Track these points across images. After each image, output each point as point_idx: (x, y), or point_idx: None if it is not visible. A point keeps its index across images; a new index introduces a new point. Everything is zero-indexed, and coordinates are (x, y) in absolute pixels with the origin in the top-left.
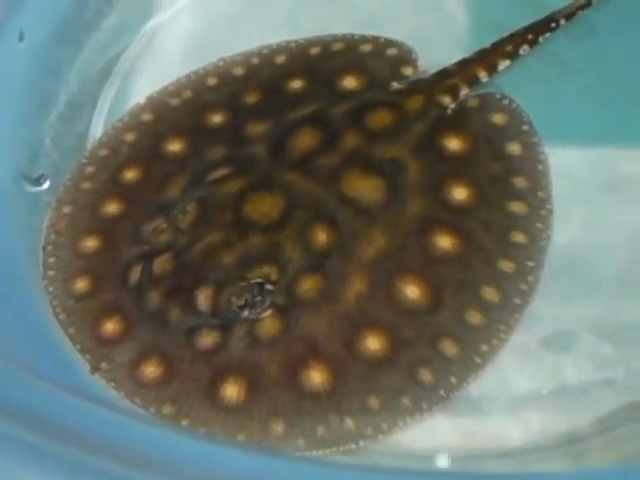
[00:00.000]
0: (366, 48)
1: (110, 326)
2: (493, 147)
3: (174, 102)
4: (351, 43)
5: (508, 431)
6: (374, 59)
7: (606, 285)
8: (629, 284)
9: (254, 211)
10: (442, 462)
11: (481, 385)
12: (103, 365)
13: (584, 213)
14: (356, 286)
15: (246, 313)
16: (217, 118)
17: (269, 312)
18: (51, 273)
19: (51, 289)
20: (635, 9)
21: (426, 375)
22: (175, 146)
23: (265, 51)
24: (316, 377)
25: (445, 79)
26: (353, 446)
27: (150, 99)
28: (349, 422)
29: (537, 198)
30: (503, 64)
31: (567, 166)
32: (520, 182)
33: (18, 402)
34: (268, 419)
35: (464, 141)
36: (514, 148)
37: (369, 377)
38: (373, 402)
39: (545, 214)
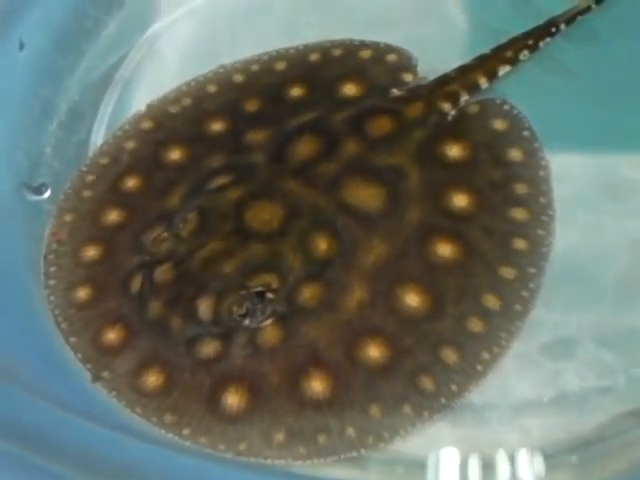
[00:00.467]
0: (366, 54)
1: (111, 335)
2: (494, 153)
3: (174, 110)
4: (350, 49)
5: (509, 439)
6: (374, 65)
7: (608, 292)
8: (631, 291)
9: (254, 220)
10: (443, 470)
11: (482, 393)
12: (104, 374)
13: (586, 219)
14: (357, 294)
15: (247, 322)
16: (217, 126)
17: (270, 321)
18: (52, 282)
19: (52, 298)
20: (636, 14)
21: (427, 383)
22: (175, 154)
23: (265, 58)
24: (317, 385)
25: (445, 85)
26: (354, 454)
27: (150, 107)
28: (350, 430)
29: (538, 204)
30: (503, 70)
31: (568, 172)
32: (521, 188)
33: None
34: (269, 428)
35: (464, 148)
36: (515, 154)
37: (370, 385)
38: (374, 410)
39: (546, 220)
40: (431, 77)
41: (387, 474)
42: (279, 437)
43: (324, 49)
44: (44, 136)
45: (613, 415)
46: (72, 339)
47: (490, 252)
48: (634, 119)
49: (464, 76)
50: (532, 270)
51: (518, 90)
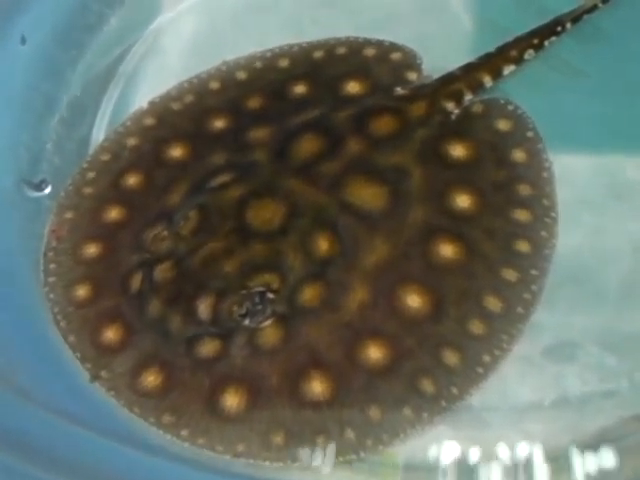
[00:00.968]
0: (370, 52)
1: (110, 334)
2: (497, 154)
3: (176, 107)
4: (355, 47)
5: (510, 442)
6: (378, 64)
7: (611, 295)
8: (634, 294)
9: (256, 218)
10: (443, 473)
11: (483, 395)
12: (103, 374)
13: (589, 221)
14: (358, 295)
15: (247, 322)
16: (219, 123)
17: (270, 321)
18: (52, 279)
19: (52, 296)
20: None
21: (427, 385)
22: (177, 151)
23: (268, 55)
24: (317, 387)
25: (449, 84)
26: (354, 457)
27: (152, 104)
28: (350, 432)
29: (542, 206)
30: (508, 69)
31: (572, 173)
32: (524, 189)
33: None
34: (268, 429)
35: (468, 148)
36: (519, 155)
37: (370, 387)
38: (374, 412)
39: (550, 222)
40: (436, 76)
41: (385, 476)
42: (278, 439)
43: (328, 47)
44: (45, 132)
45: (615, 420)
46: (71, 337)
47: (492, 253)
48: (637, 119)
49: (468, 75)
50: (534, 272)
51: (523, 89)
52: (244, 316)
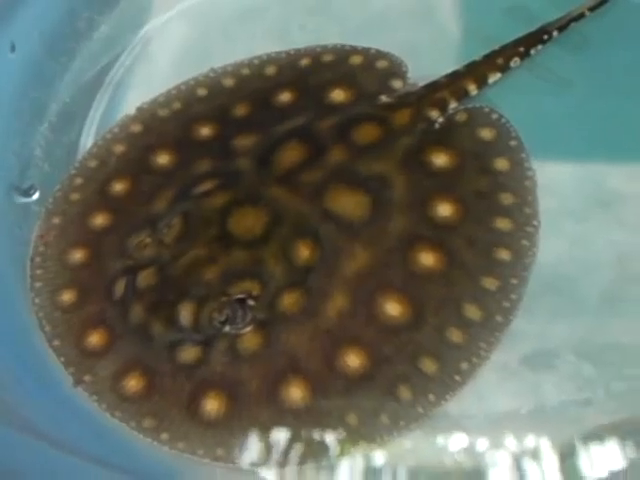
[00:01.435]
0: (356, 60)
1: (94, 339)
2: (480, 163)
3: (163, 113)
4: (341, 54)
5: (486, 449)
6: (364, 71)
7: (591, 304)
8: (614, 304)
9: (238, 226)
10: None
11: (460, 403)
12: (86, 378)
13: (571, 230)
14: (337, 302)
15: (227, 328)
16: (205, 130)
17: (250, 327)
18: (38, 285)
19: (37, 300)
20: (628, 21)
21: (405, 392)
22: (163, 158)
23: (255, 62)
24: (296, 393)
25: (434, 93)
26: (331, 462)
27: (140, 110)
28: (327, 438)
29: (523, 214)
30: (493, 77)
31: (555, 182)
32: (506, 198)
33: None
34: (247, 434)
35: (451, 156)
36: (501, 164)
37: (348, 393)
38: (351, 418)
39: (531, 231)
40: (421, 83)
41: None
42: (256, 444)
43: (315, 54)
44: (34, 138)
45: (591, 428)
46: (55, 342)
47: (473, 262)
48: (624, 128)
49: (453, 83)
50: (514, 281)
51: (508, 97)
52: (224, 322)
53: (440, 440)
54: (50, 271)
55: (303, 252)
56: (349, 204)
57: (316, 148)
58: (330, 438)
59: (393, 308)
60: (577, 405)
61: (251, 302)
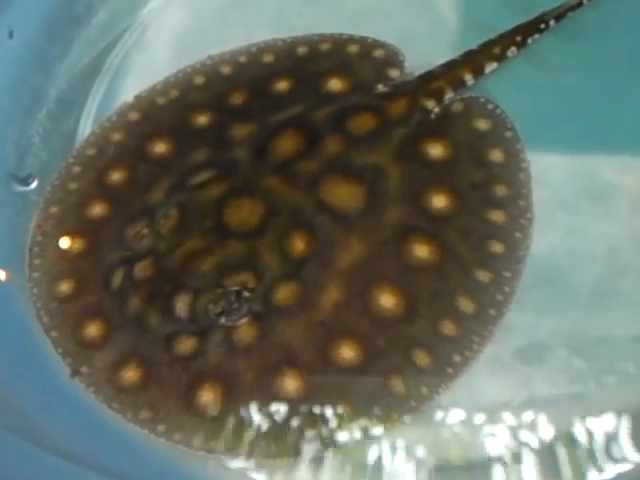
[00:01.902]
0: (353, 49)
1: (91, 330)
2: (475, 154)
3: (161, 101)
4: (338, 43)
5: (478, 442)
6: (361, 61)
7: (583, 297)
8: (606, 296)
9: (234, 217)
10: (411, 473)
11: (453, 395)
12: (83, 369)
13: (565, 222)
14: (332, 294)
15: (223, 320)
16: (202, 119)
17: (246, 319)
18: (36, 275)
19: (35, 291)
20: (625, 9)
21: (397, 385)
22: (160, 147)
23: (253, 49)
24: (290, 384)
25: (430, 82)
26: (324, 454)
27: (138, 98)
28: (321, 429)
29: (517, 207)
30: (490, 66)
31: (549, 173)
32: (501, 190)
33: None
34: (242, 425)
35: (446, 147)
36: (496, 155)
37: (342, 385)
38: (345, 410)
39: (525, 224)
40: (418, 72)
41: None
42: (252, 435)
43: (312, 42)
44: (32, 126)
45: (581, 421)
46: (53, 333)
47: (467, 254)
48: (619, 120)
49: (450, 72)
50: (508, 274)
51: (504, 87)
52: (220, 314)
53: (432, 432)
54: (48, 261)
55: (298, 244)
56: (344, 195)
57: (312, 138)
58: (323, 430)
59: (387, 300)
60: (568, 398)
61: (247, 294)
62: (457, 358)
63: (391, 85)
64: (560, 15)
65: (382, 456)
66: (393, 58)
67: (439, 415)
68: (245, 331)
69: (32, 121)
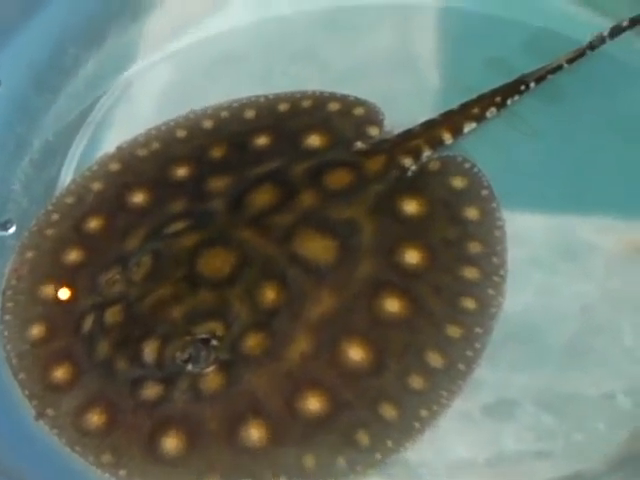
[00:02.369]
0: (334, 107)
1: (59, 373)
2: (451, 211)
3: (142, 153)
4: (319, 101)
5: None
6: (340, 118)
7: (554, 355)
8: (577, 355)
9: (206, 267)
10: None
11: (419, 450)
12: (48, 411)
13: (539, 280)
14: (301, 345)
15: (190, 367)
16: (182, 171)
17: (213, 367)
18: (8, 317)
19: (6, 333)
20: (605, 73)
21: (363, 437)
22: (139, 197)
23: (235, 105)
24: (254, 433)
25: (408, 140)
26: None
27: (119, 149)
28: None
29: (491, 264)
30: (469, 126)
31: (525, 232)
32: (475, 247)
33: None
34: (205, 473)
35: (422, 204)
36: (472, 213)
37: (307, 436)
38: (309, 461)
39: (498, 281)
40: (397, 131)
41: None
42: None
43: (294, 99)
44: (15, 172)
45: (548, 479)
46: (21, 375)
47: (438, 310)
48: (595, 181)
49: (428, 132)
50: (479, 330)
51: (482, 147)
52: (187, 361)
53: None
54: (21, 304)
55: (269, 295)
56: (317, 248)
57: (288, 192)
58: None
59: (355, 353)
60: (536, 456)
61: (215, 342)
62: (424, 412)
63: (369, 142)
64: (540, 77)
65: None
66: (373, 116)
67: (404, 470)
68: (212, 379)
69: (15, 168)
